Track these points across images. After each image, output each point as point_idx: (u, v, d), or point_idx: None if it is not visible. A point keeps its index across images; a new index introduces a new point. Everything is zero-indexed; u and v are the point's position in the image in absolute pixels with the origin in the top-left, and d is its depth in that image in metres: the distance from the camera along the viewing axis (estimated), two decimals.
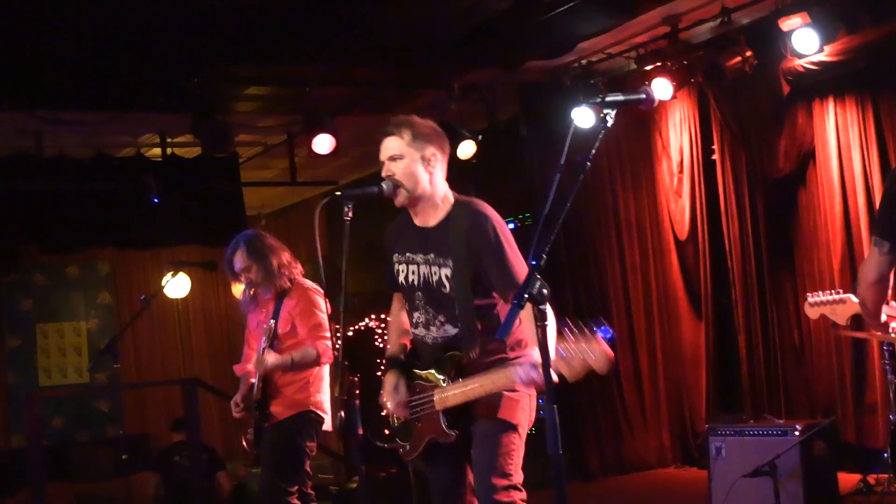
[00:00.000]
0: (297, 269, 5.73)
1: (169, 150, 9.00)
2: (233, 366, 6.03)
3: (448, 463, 3.94)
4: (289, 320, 5.62)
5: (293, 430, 5.56)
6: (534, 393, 3.85)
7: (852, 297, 5.07)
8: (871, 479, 6.77)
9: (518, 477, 3.78)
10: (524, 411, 3.83)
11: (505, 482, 3.73)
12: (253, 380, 5.60)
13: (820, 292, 5.32)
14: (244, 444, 5.76)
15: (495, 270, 3.76)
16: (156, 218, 8.74)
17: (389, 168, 3.85)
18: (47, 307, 11.63)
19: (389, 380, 4.00)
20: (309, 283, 5.73)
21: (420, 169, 3.83)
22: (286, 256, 5.70)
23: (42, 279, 11.61)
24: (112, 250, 11.22)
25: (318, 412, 5.62)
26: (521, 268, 3.75)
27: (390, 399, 3.97)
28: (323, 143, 8.29)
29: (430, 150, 3.85)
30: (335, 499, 10.07)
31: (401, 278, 4.04)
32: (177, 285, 9.07)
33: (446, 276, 3.83)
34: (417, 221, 3.96)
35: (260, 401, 5.60)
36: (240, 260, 5.65)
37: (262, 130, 9.31)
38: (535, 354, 3.46)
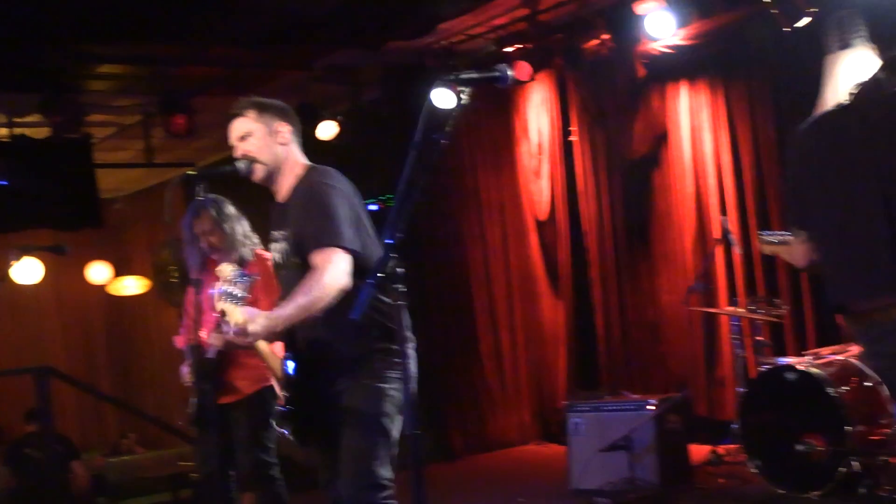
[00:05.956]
0: (256, 241, 5.42)
1: (17, 131, 8.68)
2: (173, 337, 5.59)
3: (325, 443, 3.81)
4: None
5: (266, 405, 5.29)
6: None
7: None
8: (721, 449, 7.01)
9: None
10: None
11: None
12: (216, 344, 5.11)
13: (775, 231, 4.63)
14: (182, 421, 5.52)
15: (310, 225, 3.60)
16: (4, 201, 8.42)
17: (241, 148, 3.81)
18: None
19: None
20: (269, 255, 5.52)
21: (272, 142, 3.81)
22: (247, 227, 5.42)
23: None
24: None
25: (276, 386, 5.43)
26: (345, 230, 3.58)
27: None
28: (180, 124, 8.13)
29: (277, 124, 3.84)
30: (196, 486, 9.90)
31: (273, 261, 3.95)
32: (27, 270, 8.73)
33: (286, 251, 3.76)
34: (278, 198, 3.88)
35: (215, 372, 5.22)
36: (205, 222, 5.28)
37: (117, 110, 9.04)
38: (260, 319, 3.43)
